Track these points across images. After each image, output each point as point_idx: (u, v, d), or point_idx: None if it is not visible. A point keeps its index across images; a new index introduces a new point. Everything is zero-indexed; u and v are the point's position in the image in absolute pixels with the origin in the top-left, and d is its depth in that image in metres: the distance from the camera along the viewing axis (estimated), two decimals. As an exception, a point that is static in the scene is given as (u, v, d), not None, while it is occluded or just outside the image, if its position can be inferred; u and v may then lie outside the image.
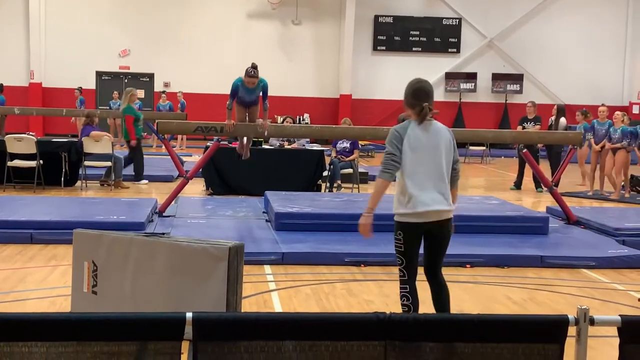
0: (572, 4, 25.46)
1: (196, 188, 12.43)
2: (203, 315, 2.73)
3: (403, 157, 4.60)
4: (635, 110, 24.55)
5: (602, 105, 13.75)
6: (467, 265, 7.60)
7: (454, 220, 4.75)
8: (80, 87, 22.32)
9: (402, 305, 4.73)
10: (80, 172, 12.53)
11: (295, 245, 7.78)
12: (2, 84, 19.03)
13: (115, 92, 22.15)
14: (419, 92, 4.73)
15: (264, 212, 9.87)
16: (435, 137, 4.70)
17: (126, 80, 24.54)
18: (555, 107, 14.72)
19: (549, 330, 2.87)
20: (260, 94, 9.32)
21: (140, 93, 22.51)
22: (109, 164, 12.42)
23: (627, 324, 2.86)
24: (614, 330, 2.92)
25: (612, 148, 12.80)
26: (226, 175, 12.31)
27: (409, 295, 4.70)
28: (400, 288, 4.74)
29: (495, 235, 8.69)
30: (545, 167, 14.03)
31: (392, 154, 4.62)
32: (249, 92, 9.27)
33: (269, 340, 2.75)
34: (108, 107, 20.63)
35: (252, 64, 9.18)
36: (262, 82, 9.27)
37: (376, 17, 25.13)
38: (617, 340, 2.92)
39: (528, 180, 14.32)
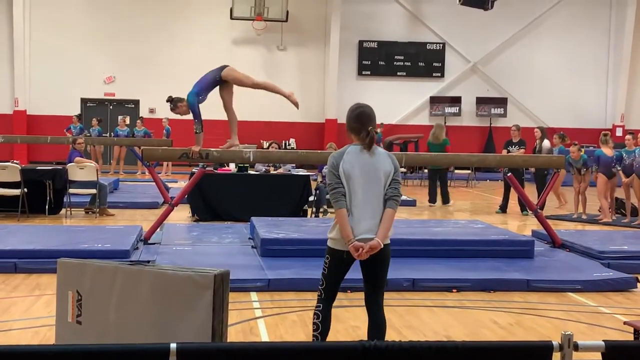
0: (554, 28, 25.76)
1: (182, 214, 12.40)
2: (187, 346, 2.71)
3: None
4: (618, 132, 24.75)
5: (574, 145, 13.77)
6: (454, 290, 7.61)
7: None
8: (80, 114, 22.21)
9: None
10: (64, 200, 12.48)
11: (282, 272, 7.76)
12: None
13: (94, 119, 21.86)
14: (362, 116, 4.65)
15: (249, 238, 9.86)
16: (375, 163, 4.63)
17: (111, 107, 24.53)
18: (538, 130, 14.83)
19: (534, 357, 2.88)
20: None
21: (126, 119, 22.47)
22: (93, 191, 12.38)
23: (610, 350, 2.88)
24: (599, 355, 2.92)
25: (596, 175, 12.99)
26: (212, 201, 12.29)
27: (319, 314, 4.78)
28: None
29: (481, 260, 8.69)
30: (531, 190, 14.11)
31: (330, 183, 4.63)
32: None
33: (254, 370, 2.74)
34: (88, 134, 20.51)
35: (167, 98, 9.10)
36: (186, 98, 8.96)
37: (360, 42, 25.31)
38: (602, 365, 2.93)
39: (513, 203, 14.37)
